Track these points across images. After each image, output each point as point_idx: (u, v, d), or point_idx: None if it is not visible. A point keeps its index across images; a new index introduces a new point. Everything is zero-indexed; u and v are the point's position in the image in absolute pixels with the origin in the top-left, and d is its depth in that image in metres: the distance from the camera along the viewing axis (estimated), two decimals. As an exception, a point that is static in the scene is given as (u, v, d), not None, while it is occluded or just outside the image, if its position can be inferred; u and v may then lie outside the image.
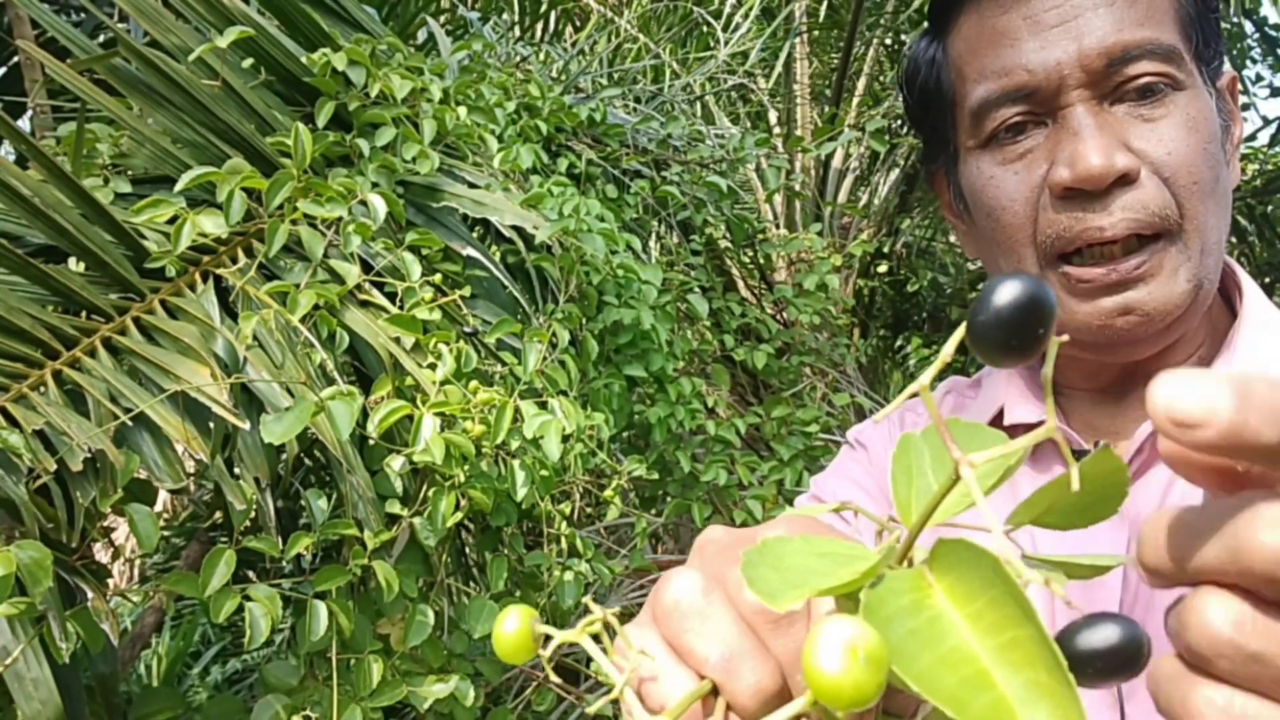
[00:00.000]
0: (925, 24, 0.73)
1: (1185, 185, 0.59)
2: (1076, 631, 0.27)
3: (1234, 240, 3.74)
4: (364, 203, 1.24)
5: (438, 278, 1.28)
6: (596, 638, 0.33)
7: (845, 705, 0.23)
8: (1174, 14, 0.62)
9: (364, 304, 1.21)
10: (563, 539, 1.32)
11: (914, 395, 0.27)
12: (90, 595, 0.97)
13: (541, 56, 2.52)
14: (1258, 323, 0.65)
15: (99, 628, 0.95)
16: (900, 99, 0.77)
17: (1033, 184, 0.62)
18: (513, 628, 0.32)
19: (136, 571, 2.99)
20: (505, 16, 3.13)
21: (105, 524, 1.03)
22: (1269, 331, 0.64)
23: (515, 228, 1.43)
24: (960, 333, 0.26)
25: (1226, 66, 0.67)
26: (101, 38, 2.04)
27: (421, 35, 2.33)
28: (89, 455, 0.96)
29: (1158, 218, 0.58)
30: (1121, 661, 0.27)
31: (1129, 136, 0.60)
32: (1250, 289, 0.67)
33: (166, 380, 1.04)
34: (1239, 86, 0.68)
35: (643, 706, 0.32)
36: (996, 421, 0.71)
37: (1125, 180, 0.59)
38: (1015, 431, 0.71)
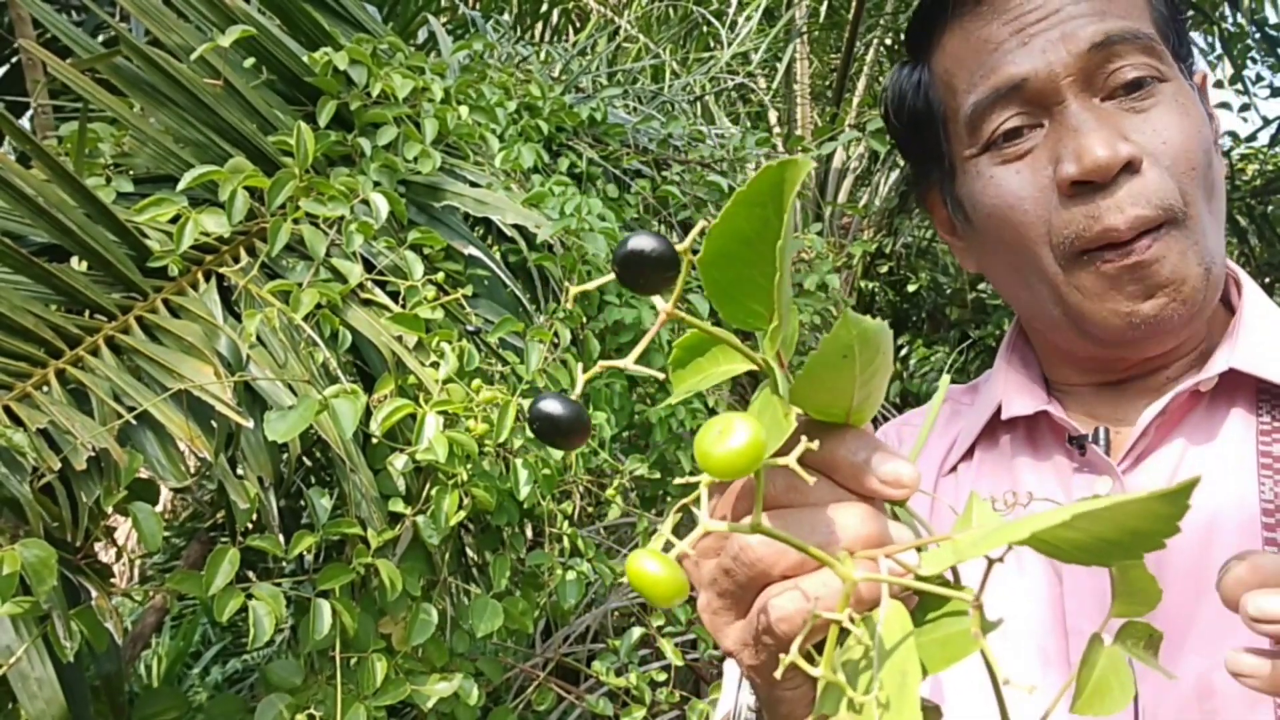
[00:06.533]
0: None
1: (1184, 171, 0.60)
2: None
3: (1234, 240, 3.73)
4: (366, 202, 1.24)
5: (440, 277, 1.28)
6: None
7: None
8: (1149, 13, 0.64)
9: (366, 303, 1.21)
10: (564, 538, 1.32)
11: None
12: (94, 594, 0.97)
13: (542, 56, 2.52)
14: (1258, 314, 0.66)
15: (103, 627, 0.95)
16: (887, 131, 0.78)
17: (1040, 184, 0.63)
18: (655, 568, 0.31)
19: (136, 571, 2.99)
20: (506, 16, 3.13)
21: (107, 523, 1.03)
22: (1269, 323, 0.65)
23: (517, 227, 1.43)
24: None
25: (1198, 64, 0.69)
26: (103, 37, 2.04)
27: (422, 35, 2.33)
28: (93, 454, 0.96)
29: (1162, 209, 0.59)
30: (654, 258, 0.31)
31: (1125, 129, 0.61)
32: (1249, 286, 0.68)
33: (170, 379, 1.04)
34: (1209, 84, 0.69)
35: None
36: (995, 417, 0.72)
37: (1130, 169, 0.60)
38: (1015, 424, 0.72)
